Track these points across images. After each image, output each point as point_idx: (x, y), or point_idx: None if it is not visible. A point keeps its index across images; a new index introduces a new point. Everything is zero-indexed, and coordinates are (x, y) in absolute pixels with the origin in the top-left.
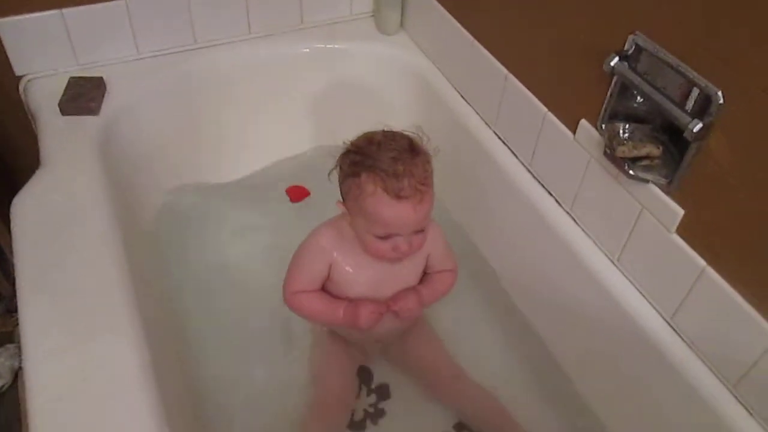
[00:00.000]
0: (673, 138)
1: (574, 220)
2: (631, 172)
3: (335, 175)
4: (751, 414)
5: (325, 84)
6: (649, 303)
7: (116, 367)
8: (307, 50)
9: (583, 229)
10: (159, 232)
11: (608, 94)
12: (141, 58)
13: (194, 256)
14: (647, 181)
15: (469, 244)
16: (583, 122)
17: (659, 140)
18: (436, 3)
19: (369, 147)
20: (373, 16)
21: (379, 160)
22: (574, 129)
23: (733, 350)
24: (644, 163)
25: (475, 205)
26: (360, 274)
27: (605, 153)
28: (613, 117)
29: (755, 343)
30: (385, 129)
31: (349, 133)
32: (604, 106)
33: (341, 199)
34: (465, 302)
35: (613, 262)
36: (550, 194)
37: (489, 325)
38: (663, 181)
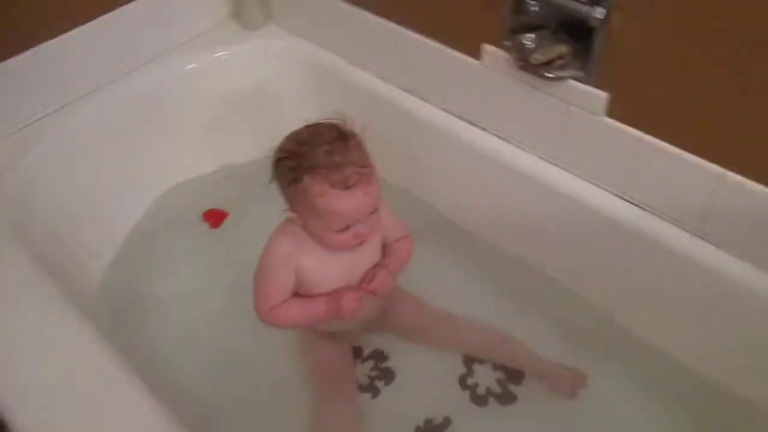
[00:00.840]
0: (574, 33)
1: (506, 141)
2: (549, 75)
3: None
4: (719, 248)
5: (211, 98)
6: (601, 188)
7: None
8: (187, 68)
9: (517, 146)
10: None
11: (504, 11)
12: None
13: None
14: (566, 78)
15: (415, 199)
16: (486, 46)
17: (563, 39)
18: None
19: (300, 148)
20: (234, 16)
21: (315, 158)
22: (478, 55)
23: (688, 199)
24: (558, 63)
25: (407, 163)
26: (328, 269)
27: (519, 66)
28: (514, 32)
29: (705, 184)
30: (307, 124)
31: (249, 141)
32: (502, 24)
33: (287, 208)
34: (429, 255)
35: (556, 165)
36: (474, 125)
37: (459, 266)
38: (580, 74)
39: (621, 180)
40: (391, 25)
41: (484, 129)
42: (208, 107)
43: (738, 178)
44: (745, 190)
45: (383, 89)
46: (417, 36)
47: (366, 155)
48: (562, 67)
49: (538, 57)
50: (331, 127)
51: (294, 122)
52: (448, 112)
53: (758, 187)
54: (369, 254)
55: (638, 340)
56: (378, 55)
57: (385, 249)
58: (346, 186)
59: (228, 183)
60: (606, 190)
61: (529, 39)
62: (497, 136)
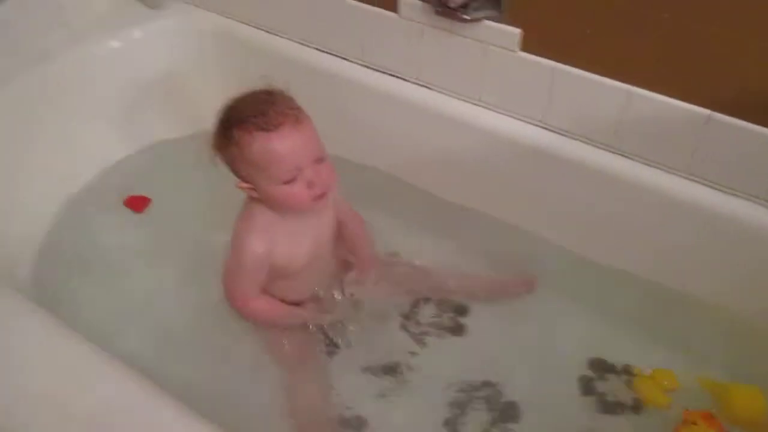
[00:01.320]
0: None
1: (428, 88)
2: (467, 16)
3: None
4: (631, 158)
5: (122, 82)
6: (520, 120)
7: None
8: (94, 52)
9: (440, 91)
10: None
11: None
12: None
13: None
14: (481, 19)
15: (360, 166)
16: None
17: None
18: None
19: (228, 111)
20: None
21: (241, 111)
22: (395, 8)
23: (601, 118)
24: (474, 5)
25: (340, 128)
26: (296, 247)
27: (437, 12)
28: None
29: (615, 102)
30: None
31: (165, 121)
32: None
33: (239, 181)
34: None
35: (474, 103)
36: (399, 77)
37: (401, 217)
38: (495, 13)
39: (539, 110)
40: None
41: (408, 80)
42: (119, 92)
43: (643, 92)
44: (651, 102)
45: (303, 53)
46: None
47: (292, 101)
48: (478, 8)
49: (456, 0)
50: (258, 89)
51: (210, 97)
52: (372, 68)
53: (661, 98)
54: (326, 224)
55: (571, 254)
56: (292, 19)
57: (354, 244)
58: (273, 125)
59: (147, 166)
60: (527, 121)
61: None
62: (422, 84)
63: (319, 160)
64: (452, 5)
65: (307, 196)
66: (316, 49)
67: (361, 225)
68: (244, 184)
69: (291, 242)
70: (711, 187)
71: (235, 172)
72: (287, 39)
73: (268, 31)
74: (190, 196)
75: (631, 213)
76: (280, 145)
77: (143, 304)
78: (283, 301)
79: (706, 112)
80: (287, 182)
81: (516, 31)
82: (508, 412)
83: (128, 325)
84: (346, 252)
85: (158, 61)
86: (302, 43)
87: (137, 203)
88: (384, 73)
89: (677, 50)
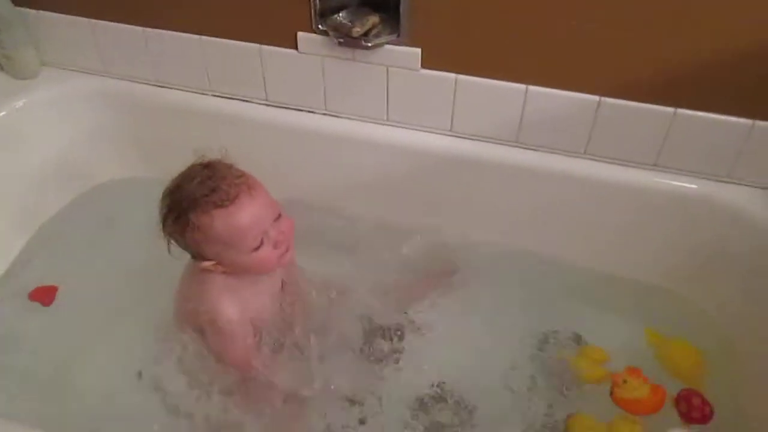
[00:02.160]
0: (375, 3)
1: (336, 116)
2: (369, 44)
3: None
4: (536, 150)
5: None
6: (429, 132)
7: None
8: None
9: (348, 118)
10: None
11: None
12: None
13: None
14: (383, 44)
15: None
16: (300, 34)
17: (369, 12)
18: (76, 17)
19: (172, 196)
20: (3, 68)
21: (189, 194)
22: (294, 45)
23: (506, 118)
24: (374, 32)
25: (257, 172)
26: (261, 304)
27: (339, 43)
28: (324, 15)
29: (514, 101)
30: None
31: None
32: (313, 10)
33: (199, 260)
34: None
35: (383, 124)
36: (301, 110)
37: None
38: (393, 37)
39: (445, 119)
40: (196, 37)
41: (315, 112)
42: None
43: (539, 89)
44: (547, 97)
45: (201, 102)
46: (227, 41)
47: (236, 169)
48: (378, 35)
49: (358, 30)
50: (193, 165)
51: (110, 160)
52: (276, 106)
53: (556, 92)
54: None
55: (496, 246)
56: (184, 69)
57: None
58: (229, 199)
59: (45, 251)
60: (434, 132)
61: (343, 17)
62: (330, 114)
63: (278, 217)
64: (355, 35)
65: (275, 257)
66: (214, 95)
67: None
68: (207, 263)
69: (255, 300)
70: (607, 162)
71: (199, 254)
72: (181, 90)
73: (159, 85)
74: (92, 280)
75: (541, 197)
76: (242, 217)
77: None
78: None
79: (596, 98)
80: (256, 249)
81: (416, 51)
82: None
83: None
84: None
85: (40, 134)
86: (199, 92)
87: (44, 294)
88: (290, 108)
89: (565, 48)
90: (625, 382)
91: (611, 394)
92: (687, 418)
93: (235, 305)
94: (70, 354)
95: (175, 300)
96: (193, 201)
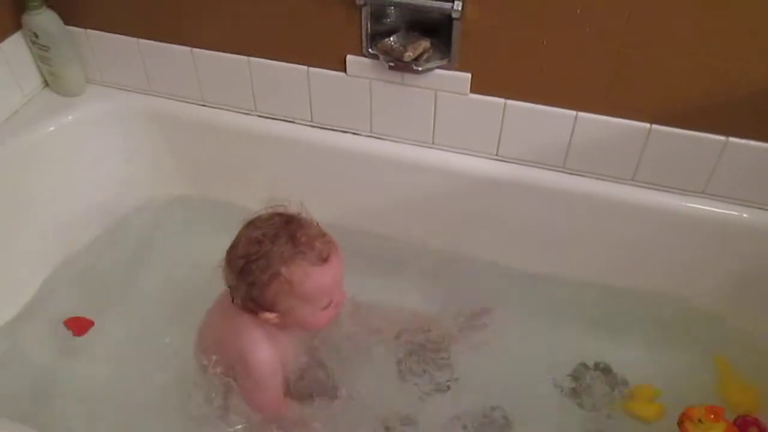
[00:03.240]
0: (425, 28)
1: (380, 138)
2: (420, 68)
3: None
4: (582, 175)
5: (47, 181)
6: (475, 156)
7: None
8: (12, 149)
9: (393, 140)
10: None
11: (364, 22)
12: None
13: None
14: (433, 69)
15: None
16: (350, 57)
17: (420, 36)
18: (124, 37)
19: (260, 247)
20: (47, 86)
21: (281, 248)
22: (343, 68)
23: (553, 143)
24: (424, 57)
25: (300, 193)
26: (290, 354)
27: (390, 67)
28: (375, 39)
29: (563, 127)
30: (244, 223)
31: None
32: (364, 33)
33: (264, 310)
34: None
35: (429, 147)
36: (346, 132)
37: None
38: (444, 62)
39: (491, 144)
40: (245, 59)
41: (360, 134)
42: (46, 193)
43: (588, 115)
44: (595, 123)
45: (244, 123)
46: (277, 63)
47: (319, 225)
48: (429, 60)
49: (410, 54)
50: (274, 215)
51: (155, 180)
52: (321, 127)
53: (605, 119)
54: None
55: (535, 275)
56: (229, 89)
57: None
58: (323, 259)
59: (83, 272)
60: (480, 156)
61: (394, 42)
62: (375, 136)
63: None
64: (406, 59)
65: (333, 316)
66: (260, 116)
67: None
68: (270, 315)
69: (288, 351)
70: (657, 189)
71: (269, 305)
72: (226, 110)
73: (204, 105)
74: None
75: (593, 225)
76: (330, 277)
77: None
78: None
79: (647, 125)
80: (324, 308)
81: (466, 76)
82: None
83: None
84: None
85: (84, 150)
86: (244, 113)
87: (78, 325)
88: (335, 130)
89: (616, 75)
90: (700, 421)
91: (680, 423)
92: None
93: (270, 348)
94: None
95: (206, 333)
96: (287, 256)
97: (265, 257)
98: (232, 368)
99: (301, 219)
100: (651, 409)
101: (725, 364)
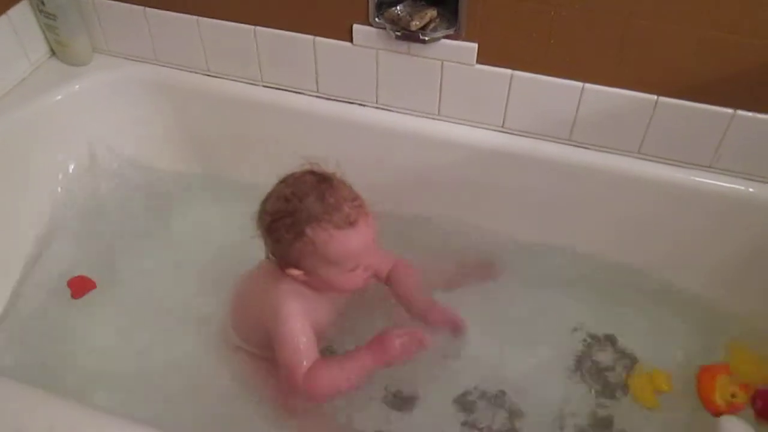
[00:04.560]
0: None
1: (387, 109)
2: (426, 38)
3: None
4: (588, 148)
5: (59, 148)
6: (480, 127)
7: None
8: (20, 117)
9: (399, 111)
10: None
11: None
12: None
13: None
14: (439, 38)
15: None
16: (356, 26)
17: (426, 5)
18: (131, 6)
19: (289, 204)
20: (54, 55)
21: (310, 208)
22: (350, 38)
23: (559, 115)
24: (431, 26)
25: (302, 160)
26: (323, 316)
27: (397, 36)
28: (381, 8)
29: (569, 99)
30: (279, 180)
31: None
32: (370, 2)
33: (290, 267)
34: None
35: (434, 118)
36: (353, 102)
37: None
38: (450, 31)
39: (497, 116)
40: (251, 27)
41: (366, 105)
42: (52, 161)
43: (595, 87)
44: (602, 95)
45: (253, 93)
46: (283, 32)
47: (351, 188)
48: (435, 29)
49: (417, 23)
50: (307, 173)
51: (161, 151)
52: (327, 98)
53: (612, 90)
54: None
55: (540, 246)
56: (236, 60)
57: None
58: (350, 223)
59: (90, 236)
60: (485, 128)
61: (400, 11)
62: (381, 108)
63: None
64: (413, 28)
65: (362, 280)
66: (265, 86)
67: (406, 273)
68: (296, 272)
69: (322, 310)
70: (663, 163)
71: (294, 262)
72: (232, 80)
73: (210, 75)
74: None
75: (596, 197)
76: (356, 242)
77: None
78: None
79: (654, 97)
80: (351, 270)
81: (473, 46)
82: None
83: None
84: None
85: (94, 119)
86: (251, 83)
87: (80, 285)
88: (341, 101)
89: (624, 46)
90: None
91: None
92: (762, 414)
93: (300, 305)
94: None
95: (239, 303)
96: (313, 216)
97: (291, 216)
98: (265, 333)
99: (333, 180)
100: (647, 396)
101: (739, 347)
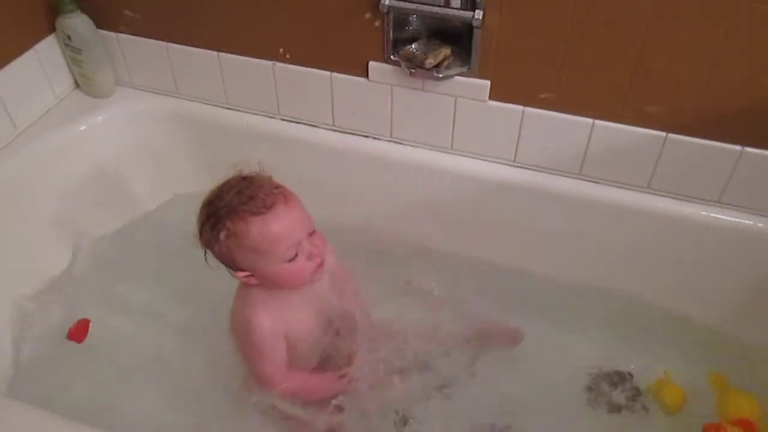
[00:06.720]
0: (446, 36)
1: (400, 143)
2: (440, 75)
3: None
4: (597, 182)
5: (77, 177)
6: (492, 161)
7: None
8: (43, 149)
9: (413, 145)
10: None
11: (386, 30)
12: None
13: None
14: (453, 76)
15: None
16: (372, 63)
17: (441, 44)
18: (154, 41)
19: (210, 206)
20: (78, 87)
21: (227, 203)
22: (365, 74)
23: (570, 151)
24: (445, 64)
25: (321, 197)
26: (305, 322)
27: (411, 73)
28: (397, 46)
29: (579, 135)
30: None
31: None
32: (386, 40)
33: (234, 271)
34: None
35: (447, 152)
36: (367, 136)
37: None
38: (464, 69)
39: (509, 150)
40: (269, 63)
41: (380, 138)
42: (75, 189)
43: (605, 123)
44: (612, 131)
45: (267, 126)
46: (301, 68)
47: (274, 181)
48: (449, 67)
49: (431, 61)
50: (234, 176)
51: (181, 180)
52: (342, 131)
53: (621, 127)
54: (328, 289)
55: (551, 281)
56: (254, 92)
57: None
58: (266, 207)
59: (105, 266)
60: (498, 162)
61: (415, 49)
62: (395, 141)
63: (312, 232)
64: (427, 66)
65: (308, 269)
66: (282, 119)
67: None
68: (241, 274)
69: (298, 318)
70: (672, 198)
71: (232, 263)
72: (251, 113)
73: (229, 108)
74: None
75: (605, 229)
76: (278, 225)
77: None
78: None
79: (663, 134)
80: (290, 260)
81: (486, 83)
82: None
83: None
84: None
85: (113, 150)
86: (268, 116)
87: (78, 333)
88: (356, 135)
89: (633, 83)
90: None
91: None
92: None
93: (267, 316)
94: None
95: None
96: (230, 209)
97: (214, 215)
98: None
99: (254, 176)
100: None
101: (720, 380)
